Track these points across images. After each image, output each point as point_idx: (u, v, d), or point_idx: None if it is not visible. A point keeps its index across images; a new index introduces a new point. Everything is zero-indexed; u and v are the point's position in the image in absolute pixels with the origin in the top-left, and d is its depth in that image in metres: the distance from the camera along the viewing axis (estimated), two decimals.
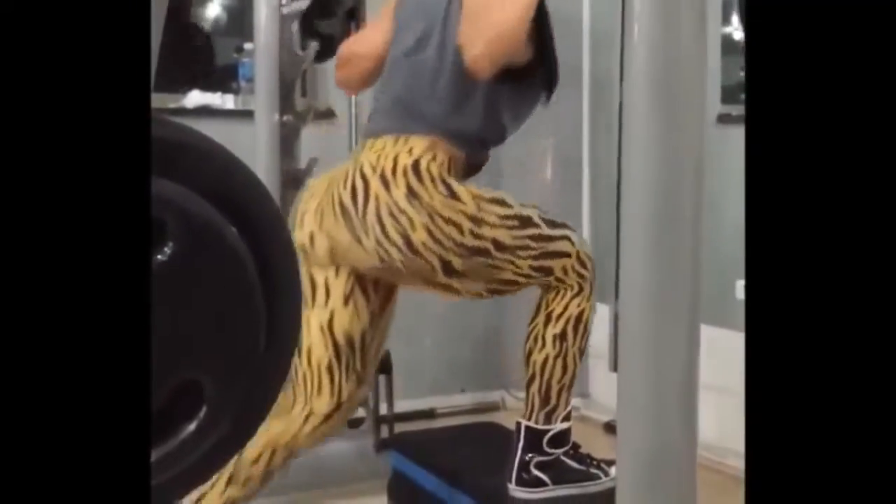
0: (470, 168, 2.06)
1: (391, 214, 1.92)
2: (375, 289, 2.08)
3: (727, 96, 2.83)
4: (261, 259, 0.73)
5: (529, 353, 2.10)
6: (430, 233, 1.92)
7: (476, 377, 3.33)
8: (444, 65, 1.99)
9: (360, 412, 2.60)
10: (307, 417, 2.05)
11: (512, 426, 2.19)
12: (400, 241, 1.92)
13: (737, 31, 3.08)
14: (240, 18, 3.43)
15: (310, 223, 2.03)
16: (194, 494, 2.04)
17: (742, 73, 2.90)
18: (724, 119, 2.66)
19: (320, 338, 2.04)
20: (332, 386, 2.05)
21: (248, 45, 2.91)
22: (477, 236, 1.95)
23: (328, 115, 3.01)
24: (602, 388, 3.23)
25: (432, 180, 1.93)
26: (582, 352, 2.10)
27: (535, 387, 2.09)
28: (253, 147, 2.40)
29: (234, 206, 0.71)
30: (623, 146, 1.05)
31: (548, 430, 2.10)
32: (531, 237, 2.02)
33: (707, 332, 1.07)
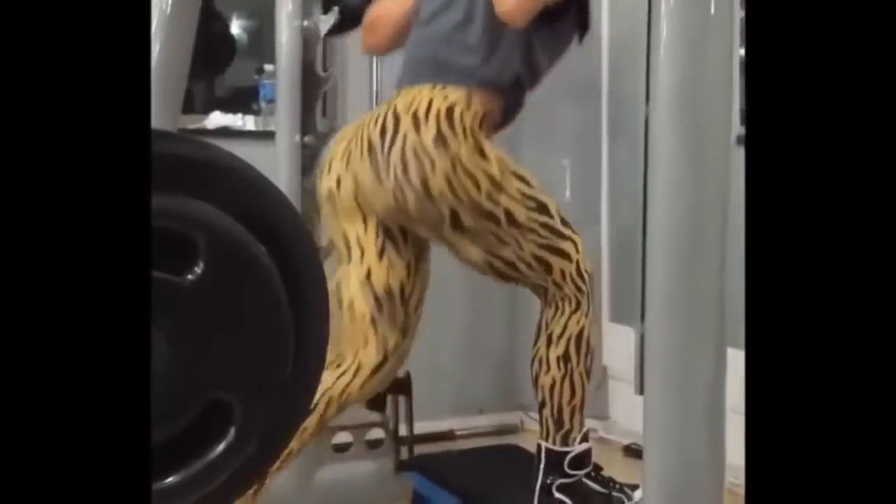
0: (505, 117, 2.07)
1: (415, 155, 1.91)
2: (405, 240, 2.06)
3: None
4: (289, 278, 0.73)
5: (536, 377, 2.10)
6: (448, 181, 1.91)
7: (493, 399, 3.32)
8: (475, 18, 1.99)
9: (380, 433, 2.58)
10: (357, 371, 2.06)
11: (530, 448, 2.18)
12: (417, 184, 1.91)
13: None
14: (260, 40, 3.45)
15: (337, 167, 2.04)
16: None
17: None
18: (743, 140, 2.65)
19: (360, 292, 2.04)
20: (376, 338, 2.05)
21: (268, 67, 2.92)
22: (493, 200, 1.95)
23: None
24: (622, 411, 3.21)
25: (464, 131, 1.93)
26: (588, 371, 2.10)
27: (546, 411, 2.09)
28: (274, 168, 2.40)
29: (264, 226, 0.71)
30: (649, 168, 1.04)
31: (567, 452, 2.09)
32: (543, 224, 2.01)
33: (728, 355, 1.06)
